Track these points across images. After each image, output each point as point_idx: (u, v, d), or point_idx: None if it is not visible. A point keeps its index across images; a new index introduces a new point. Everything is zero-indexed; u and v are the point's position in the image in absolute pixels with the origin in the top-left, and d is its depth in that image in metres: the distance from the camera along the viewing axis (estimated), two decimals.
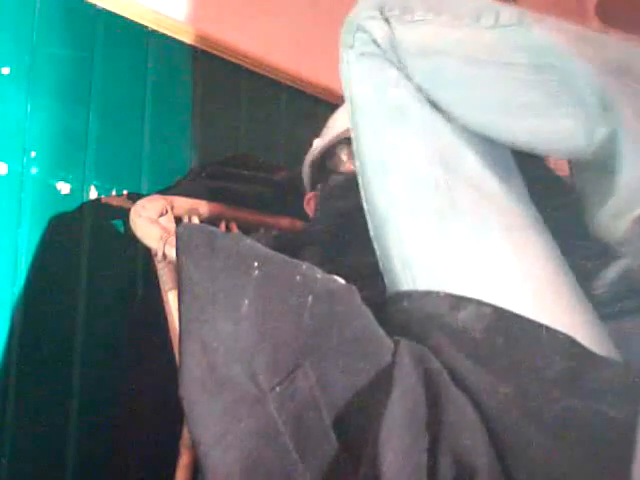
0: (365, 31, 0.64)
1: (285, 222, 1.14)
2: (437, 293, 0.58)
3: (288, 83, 1.45)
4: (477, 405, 0.50)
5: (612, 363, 0.54)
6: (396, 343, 0.55)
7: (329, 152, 1.03)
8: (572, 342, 0.53)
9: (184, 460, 0.84)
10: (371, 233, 0.67)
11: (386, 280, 0.65)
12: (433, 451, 0.48)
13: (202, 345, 0.52)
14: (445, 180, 0.60)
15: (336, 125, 1.04)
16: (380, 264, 0.66)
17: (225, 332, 0.53)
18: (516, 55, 0.58)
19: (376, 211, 0.65)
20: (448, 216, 0.60)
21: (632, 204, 0.53)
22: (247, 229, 1.10)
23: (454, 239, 0.59)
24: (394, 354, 0.54)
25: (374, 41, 0.64)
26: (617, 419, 0.47)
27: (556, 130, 0.57)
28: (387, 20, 0.64)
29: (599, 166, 0.56)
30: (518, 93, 0.58)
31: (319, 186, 1.05)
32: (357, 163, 0.67)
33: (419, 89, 0.63)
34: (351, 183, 0.91)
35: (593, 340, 0.55)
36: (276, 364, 0.53)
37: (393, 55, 0.63)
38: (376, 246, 0.66)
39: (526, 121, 0.59)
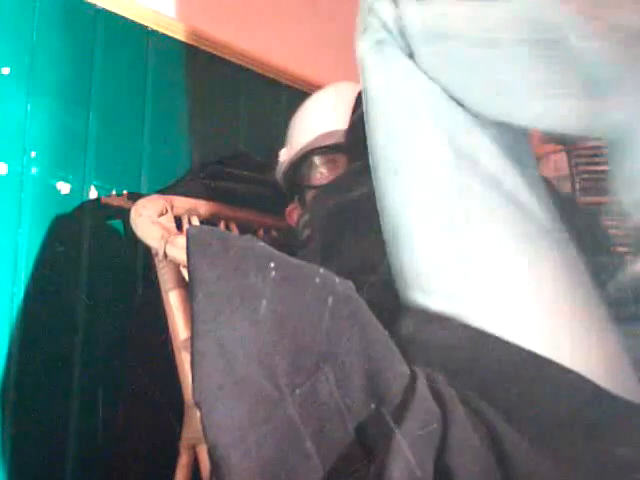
0: (375, 14, 0.58)
1: (284, 222, 1.14)
2: (447, 322, 0.55)
3: (288, 83, 1.45)
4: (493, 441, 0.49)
5: (627, 404, 0.51)
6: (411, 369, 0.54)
7: (300, 162, 1.02)
8: (596, 389, 0.51)
9: (184, 460, 0.85)
10: (384, 235, 0.63)
11: (397, 285, 0.62)
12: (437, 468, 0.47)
13: (219, 346, 0.50)
14: (460, 181, 0.57)
15: (302, 136, 1.03)
16: (392, 268, 0.62)
17: (243, 333, 0.51)
18: (529, 30, 0.52)
19: (388, 212, 0.61)
20: (461, 223, 0.56)
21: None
22: (246, 229, 1.10)
23: (467, 249, 0.56)
24: (412, 372, 0.52)
25: (384, 25, 0.58)
26: (629, 460, 0.45)
27: (571, 109, 0.53)
28: (395, 0, 0.58)
29: (621, 148, 0.52)
30: (535, 71, 0.53)
31: (297, 197, 1.05)
32: (370, 160, 0.63)
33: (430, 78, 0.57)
34: (338, 182, 0.91)
35: (607, 347, 0.54)
36: (296, 366, 0.51)
37: (402, 41, 0.57)
38: (388, 249, 0.62)
39: (544, 101, 0.54)
